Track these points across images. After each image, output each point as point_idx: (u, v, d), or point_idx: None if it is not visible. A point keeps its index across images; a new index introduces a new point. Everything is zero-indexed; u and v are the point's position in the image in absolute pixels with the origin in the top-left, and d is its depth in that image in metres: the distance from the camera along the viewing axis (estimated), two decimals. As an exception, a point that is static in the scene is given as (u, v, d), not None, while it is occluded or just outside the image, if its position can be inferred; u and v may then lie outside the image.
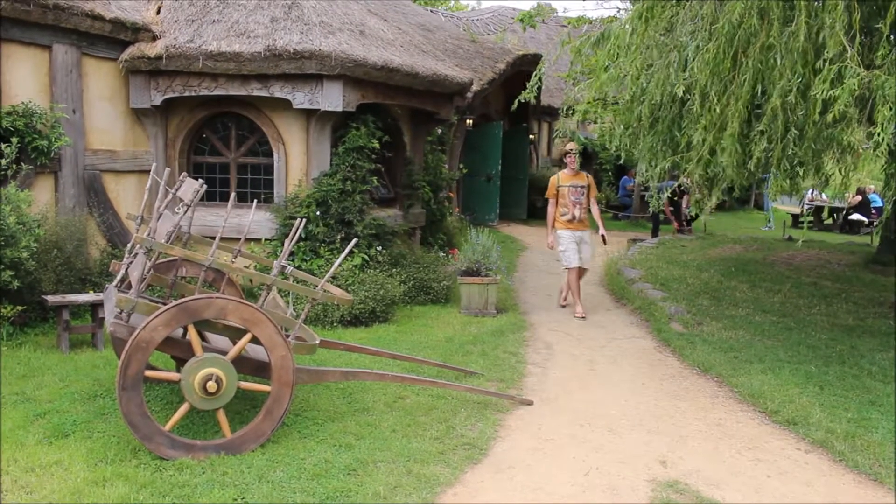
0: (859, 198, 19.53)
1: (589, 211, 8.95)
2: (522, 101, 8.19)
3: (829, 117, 4.48)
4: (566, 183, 8.88)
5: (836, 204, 19.37)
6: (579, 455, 4.70)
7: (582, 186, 8.86)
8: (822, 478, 4.51)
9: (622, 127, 6.57)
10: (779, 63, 4.68)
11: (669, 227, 16.47)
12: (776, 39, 4.66)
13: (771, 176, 5.21)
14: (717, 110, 5.03)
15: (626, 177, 20.03)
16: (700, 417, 5.48)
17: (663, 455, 4.74)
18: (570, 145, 9.01)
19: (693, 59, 5.08)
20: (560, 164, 21.95)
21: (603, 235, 9.08)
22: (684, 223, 16.50)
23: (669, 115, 5.65)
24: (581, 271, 9.02)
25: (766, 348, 7.10)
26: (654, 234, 15.67)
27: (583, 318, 8.61)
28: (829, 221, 20.53)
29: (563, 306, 9.21)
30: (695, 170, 5.48)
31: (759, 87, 4.87)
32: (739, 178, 5.43)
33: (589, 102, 7.33)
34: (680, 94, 5.03)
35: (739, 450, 4.89)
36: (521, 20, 11.73)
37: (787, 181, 5.40)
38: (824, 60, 4.54)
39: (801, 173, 6.07)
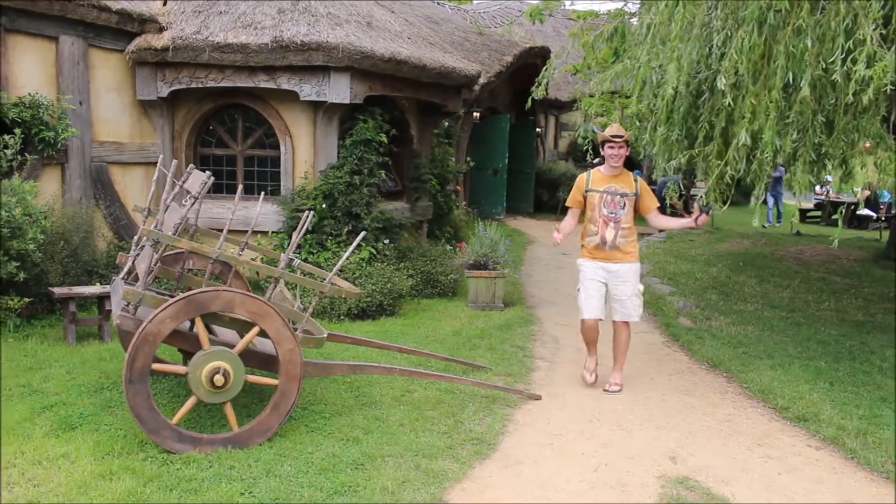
0: (867, 193, 19.44)
1: (631, 232, 5.78)
2: (535, 98, 7.82)
3: (865, 98, 4.39)
4: (599, 187, 5.75)
5: (845, 198, 19.23)
6: (588, 451, 4.66)
7: (623, 194, 5.71)
8: (833, 475, 4.47)
9: (637, 121, 6.47)
10: (810, 47, 4.58)
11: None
12: (806, 20, 4.57)
13: (799, 167, 5.10)
14: (751, 101, 4.93)
15: (637, 171, 19.93)
16: (709, 413, 5.44)
17: (672, 451, 4.70)
18: (614, 128, 5.77)
19: (724, 46, 4.99)
20: (567, 157, 21.81)
21: (696, 218, 5.70)
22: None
23: (684, 105, 5.56)
24: (620, 328, 5.88)
25: (775, 344, 7.06)
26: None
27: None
28: (837, 217, 20.42)
29: (592, 382, 5.97)
30: (714, 167, 5.39)
31: (790, 76, 4.76)
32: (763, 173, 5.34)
33: (602, 94, 7.16)
34: (721, 85, 4.90)
35: (749, 446, 4.84)
36: (530, 15, 11.65)
37: (810, 175, 5.31)
38: (851, 47, 4.46)
39: (827, 166, 6.00)
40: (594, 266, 5.79)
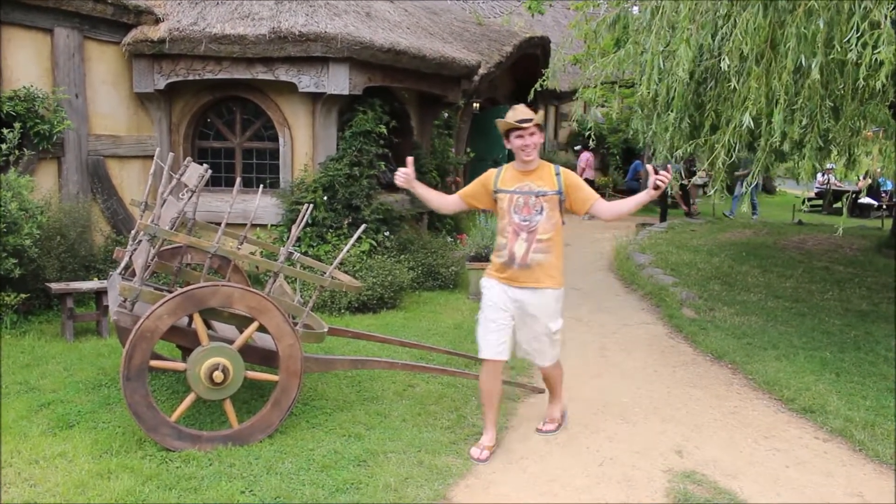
0: (869, 181, 19.35)
1: (551, 246, 4.34)
2: (539, 89, 7.71)
3: (878, 83, 4.30)
4: (509, 187, 4.35)
5: (847, 187, 19.15)
6: (593, 445, 4.60)
7: (540, 194, 4.29)
8: (842, 468, 4.41)
9: (639, 110, 6.39)
10: (821, 28, 4.49)
11: (679, 212, 16.37)
12: (818, 2, 4.48)
13: (806, 154, 5.03)
14: (756, 86, 4.85)
15: (637, 161, 19.83)
16: (715, 406, 5.38)
17: (678, 445, 4.64)
18: (520, 111, 4.35)
19: (729, 35, 4.92)
20: (567, 148, 21.71)
21: (657, 181, 4.06)
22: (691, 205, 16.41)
23: (689, 93, 5.49)
24: (545, 369, 4.67)
25: (779, 334, 6.99)
26: (663, 218, 15.54)
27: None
28: (841, 205, 20.34)
29: (481, 459, 4.28)
30: (720, 154, 5.32)
31: (802, 59, 4.68)
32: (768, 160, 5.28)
33: (602, 84, 7.06)
34: (725, 66, 4.82)
35: (756, 439, 4.79)
36: (529, 7, 11.55)
37: (815, 162, 5.25)
38: (865, 28, 4.38)
39: (832, 153, 5.94)
40: (499, 290, 4.41)
